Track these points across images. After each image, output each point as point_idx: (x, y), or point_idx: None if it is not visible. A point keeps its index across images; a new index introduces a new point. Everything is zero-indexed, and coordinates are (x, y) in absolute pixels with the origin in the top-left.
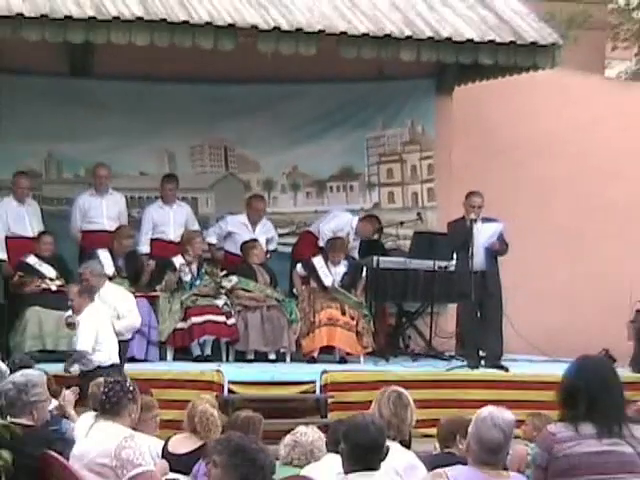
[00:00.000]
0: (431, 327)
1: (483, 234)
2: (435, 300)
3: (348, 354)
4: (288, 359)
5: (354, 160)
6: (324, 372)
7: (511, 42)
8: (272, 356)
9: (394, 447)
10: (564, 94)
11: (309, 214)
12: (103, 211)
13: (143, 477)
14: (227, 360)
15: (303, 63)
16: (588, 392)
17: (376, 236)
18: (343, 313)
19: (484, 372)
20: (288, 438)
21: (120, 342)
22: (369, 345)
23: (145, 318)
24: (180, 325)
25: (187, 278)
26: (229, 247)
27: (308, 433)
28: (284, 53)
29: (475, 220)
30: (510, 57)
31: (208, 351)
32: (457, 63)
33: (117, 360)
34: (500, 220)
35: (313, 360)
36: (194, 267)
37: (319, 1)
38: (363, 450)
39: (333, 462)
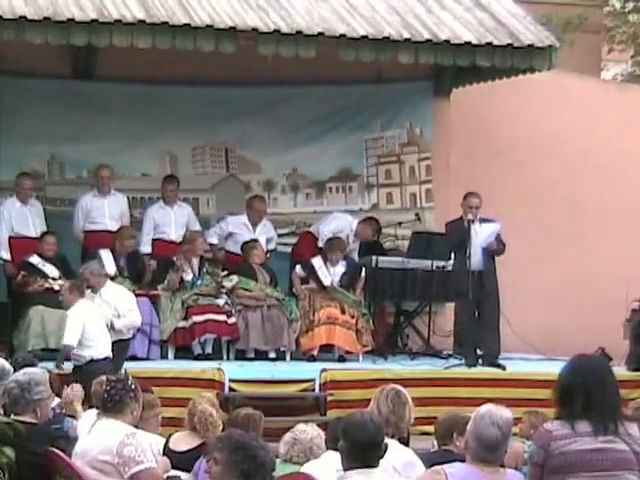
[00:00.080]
0: (429, 326)
1: (481, 234)
2: (433, 299)
3: (347, 352)
4: (288, 358)
5: (353, 161)
6: (323, 370)
7: (508, 45)
8: (272, 355)
9: (392, 444)
10: (561, 96)
11: (309, 214)
12: (105, 212)
13: (145, 474)
14: (228, 358)
15: (303, 66)
16: (584, 390)
17: (375, 238)
18: (342, 312)
19: (481, 370)
20: (287, 436)
21: (121, 341)
22: (368, 344)
23: (147, 317)
24: (181, 324)
25: (189, 278)
26: (230, 247)
27: (307, 431)
28: (284, 56)
29: (473, 220)
30: (507, 59)
31: (209, 350)
32: (455, 65)
33: (110, 354)
34: (497, 220)
35: (313, 359)
36: (195, 266)
37: (318, 4)
38: (362, 447)
39: (332, 459)
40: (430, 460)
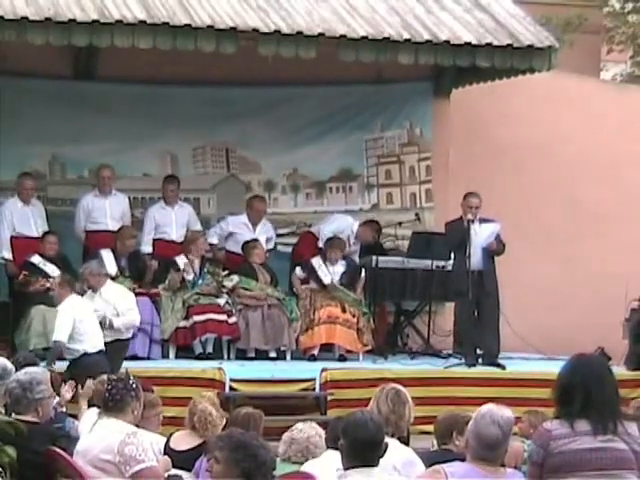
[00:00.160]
0: (429, 326)
1: (481, 235)
2: (433, 299)
3: (348, 352)
4: (288, 357)
5: (353, 162)
6: (324, 370)
7: (508, 45)
8: (273, 354)
9: (392, 444)
10: (560, 96)
11: (309, 215)
12: (107, 212)
13: (146, 473)
14: (228, 358)
15: (303, 66)
16: (583, 390)
17: (376, 239)
18: (343, 310)
19: (481, 370)
20: (285, 435)
21: (120, 341)
22: (369, 343)
23: (148, 316)
24: (182, 323)
25: (190, 277)
26: (230, 247)
27: (304, 430)
28: (284, 56)
29: (472, 220)
30: (507, 60)
31: (210, 349)
32: (454, 66)
33: (103, 347)
34: (497, 220)
35: (313, 358)
36: (196, 266)
37: (319, 5)
38: (362, 446)
39: (333, 459)
40: (430, 459)
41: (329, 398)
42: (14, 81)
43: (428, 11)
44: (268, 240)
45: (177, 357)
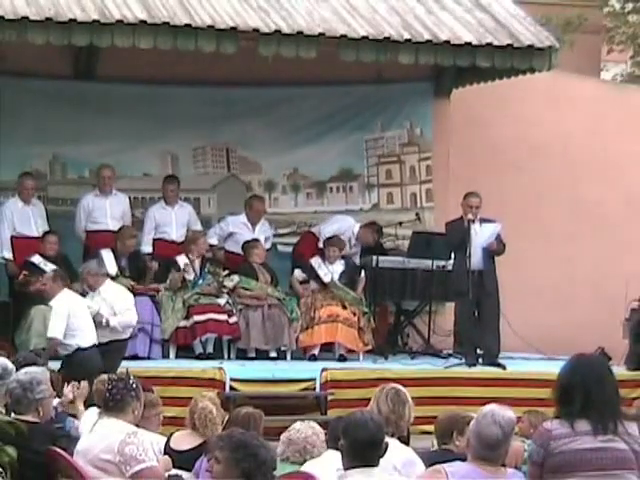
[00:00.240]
0: (429, 326)
1: (481, 235)
2: (433, 299)
3: (348, 351)
4: (289, 357)
5: (353, 161)
6: (324, 370)
7: (508, 45)
8: (273, 354)
9: (393, 443)
10: (560, 96)
11: (309, 214)
12: (107, 211)
13: (146, 473)
14: (229, 358)
15: (303, 66)
16: (584, 389)
17: (376, 240)
18: (344, 308)
19: (481, 370)
20: (283, 436)
21: (118, 341)
22: (370, 342)
23: (148, 316)
24: (183, 323)
25: (190, 277)
26: (231, 247)
27: (301, 430)
28: (285, 56)
29: (473, 220)
30: (507, 60)
31: (210, 349)
32: (455, 66)
33: (96, 342)
34: (497, 220)
35: (313, 358)
36: (197, 266)
37: (319, 5)
38: (362, 446)
39: (333, 458)
40: (430, 459)
41: (329, 398)
42: (14, 81)
43: (428, 11)
44: (266, 240)
45: (177, 357)
